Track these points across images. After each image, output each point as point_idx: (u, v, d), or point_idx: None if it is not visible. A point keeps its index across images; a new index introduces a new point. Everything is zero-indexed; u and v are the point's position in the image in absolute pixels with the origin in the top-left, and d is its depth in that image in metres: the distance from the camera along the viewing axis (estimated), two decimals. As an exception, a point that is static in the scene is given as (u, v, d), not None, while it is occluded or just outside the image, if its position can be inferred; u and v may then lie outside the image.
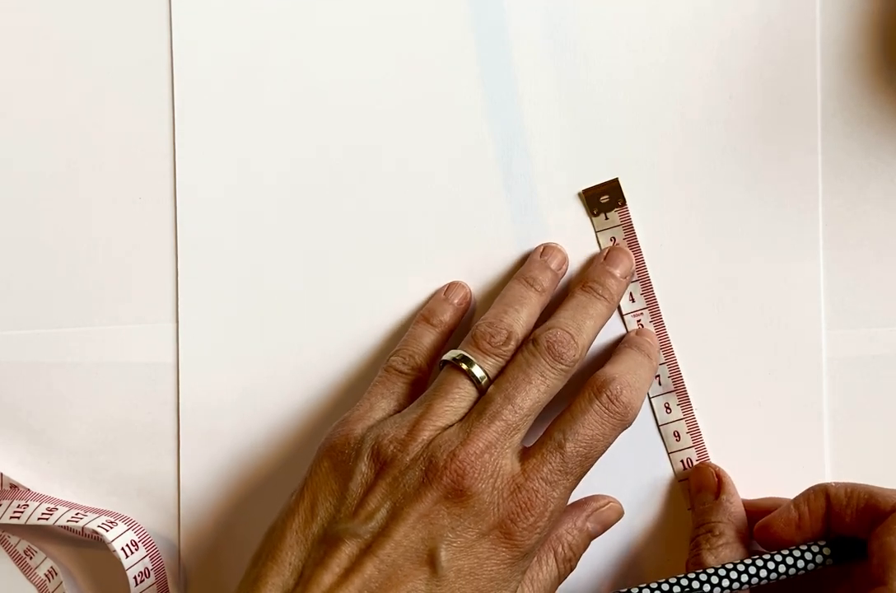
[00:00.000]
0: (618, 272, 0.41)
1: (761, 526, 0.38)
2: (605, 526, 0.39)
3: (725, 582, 0.36)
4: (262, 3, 0.42)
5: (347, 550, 0.34)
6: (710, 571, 0.37)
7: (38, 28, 0.43)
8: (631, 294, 0.42)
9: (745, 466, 0.42)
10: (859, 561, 0.36)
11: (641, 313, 0.42)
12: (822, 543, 0.37)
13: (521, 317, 0.39)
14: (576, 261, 0.42)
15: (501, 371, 0.38)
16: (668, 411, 0.42)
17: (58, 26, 0.43)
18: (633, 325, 0.42)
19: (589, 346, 0.39)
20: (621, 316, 0.42)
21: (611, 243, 0.42)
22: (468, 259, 0.42)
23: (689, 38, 0.42)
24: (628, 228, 0.42)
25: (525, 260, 0.42)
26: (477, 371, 0.37)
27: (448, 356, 0.38)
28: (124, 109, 0.43)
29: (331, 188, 0.42)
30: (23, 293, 0.43)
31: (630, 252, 0.41)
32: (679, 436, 0.42)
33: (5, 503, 0.42)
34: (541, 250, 0.42)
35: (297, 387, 0.42)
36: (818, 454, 0.42)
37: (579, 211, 0.42)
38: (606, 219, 0.42)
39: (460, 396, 0.37)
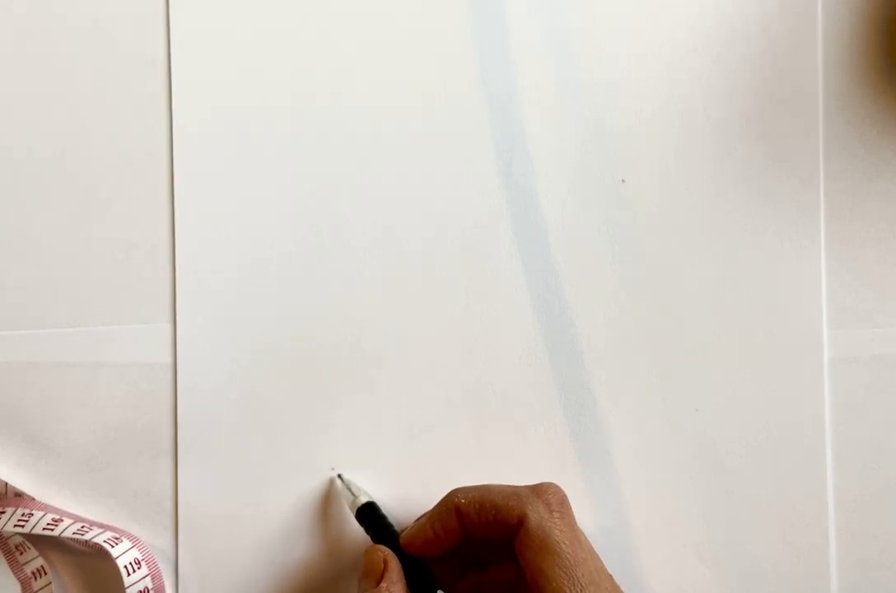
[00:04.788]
0: None
1: (405, 543, 0.39)
2: None
3: None
4: (262, 2, 0.42)
5: None
6: None
7: (37, 28, 0.43)
8: None
9: (744, 465, 0.42)
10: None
11: None
12: None
13: None
14: (574, 261, 0.42)
15: None
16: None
17: (58, 26, 0.43)
18: None
19: None
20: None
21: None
22: (467, 259, 0.42)
23: (690, 38, 0.42)
24: None
25: (523, 258, 0.42)
26: None
27: None
28: (123, 109, 0.42)
29: (330, 189, 0.42)
30: (21, 293, 0.43)
31: None
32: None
33: (9, 510, 0.41)
34: None
35: (296, 387, 0.42)
36: (819, 454, 0.42)
37: (579, 210, 0.42)
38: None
39: None
